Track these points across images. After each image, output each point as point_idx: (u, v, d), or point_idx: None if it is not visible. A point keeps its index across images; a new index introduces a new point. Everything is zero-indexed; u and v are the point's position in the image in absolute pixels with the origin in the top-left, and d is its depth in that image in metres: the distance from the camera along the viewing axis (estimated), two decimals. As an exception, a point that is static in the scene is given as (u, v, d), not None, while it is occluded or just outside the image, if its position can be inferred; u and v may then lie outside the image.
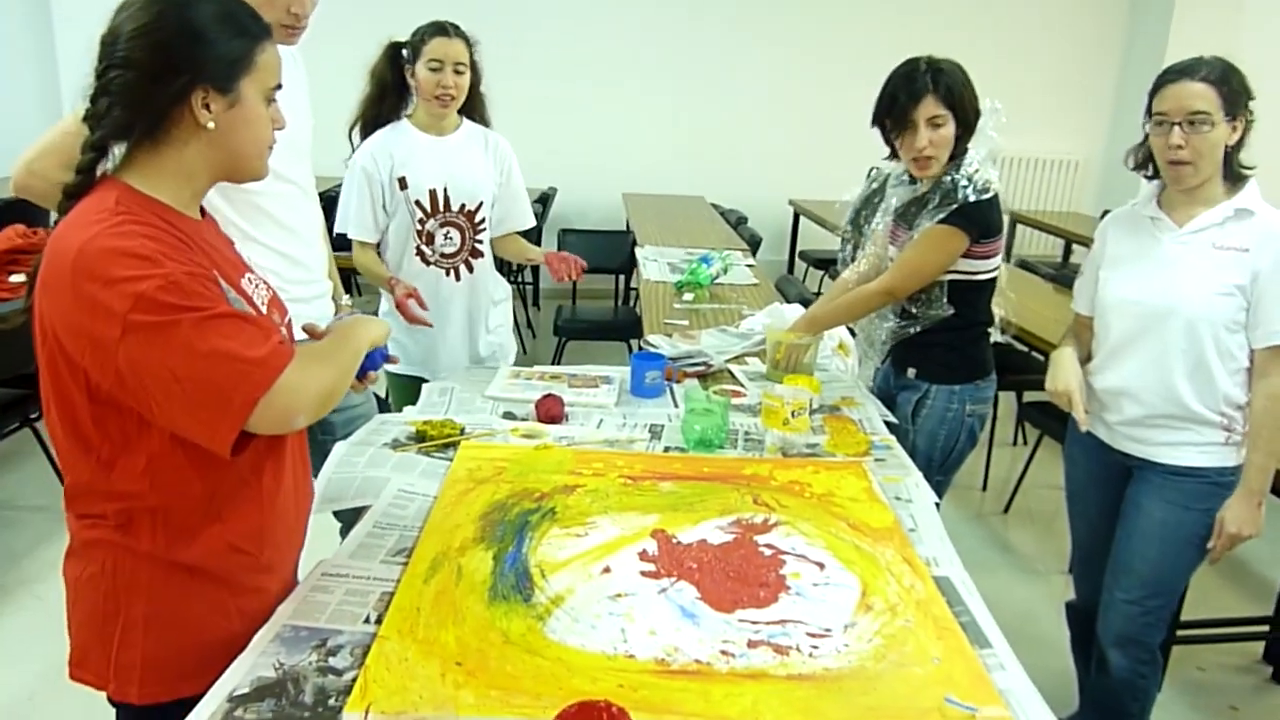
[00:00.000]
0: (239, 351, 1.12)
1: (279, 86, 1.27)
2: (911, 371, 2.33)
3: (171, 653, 1.26)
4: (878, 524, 1.67)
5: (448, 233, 2.57)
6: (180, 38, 1.16)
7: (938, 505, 1.83)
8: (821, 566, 1.52)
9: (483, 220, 2.61)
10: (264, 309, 1.30)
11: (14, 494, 3.51)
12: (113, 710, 1.33)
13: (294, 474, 1.38)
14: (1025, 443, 4.37)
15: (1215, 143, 1.81)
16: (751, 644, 1.31)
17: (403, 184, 2.50)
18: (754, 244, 4.94)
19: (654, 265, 4.00)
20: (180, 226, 1.19)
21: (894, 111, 2.13)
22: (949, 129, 2.12)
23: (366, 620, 1.33)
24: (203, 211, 1.30)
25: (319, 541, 1.52)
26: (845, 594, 1.45)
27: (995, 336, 2.39)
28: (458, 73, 2.45)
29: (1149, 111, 1.88)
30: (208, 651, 1.25)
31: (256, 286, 1.32)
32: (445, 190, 2.53)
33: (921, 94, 2.09)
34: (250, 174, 1.29)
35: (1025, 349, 3.78)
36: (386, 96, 2.55)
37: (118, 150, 1.20)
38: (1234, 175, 1.88)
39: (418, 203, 2.52)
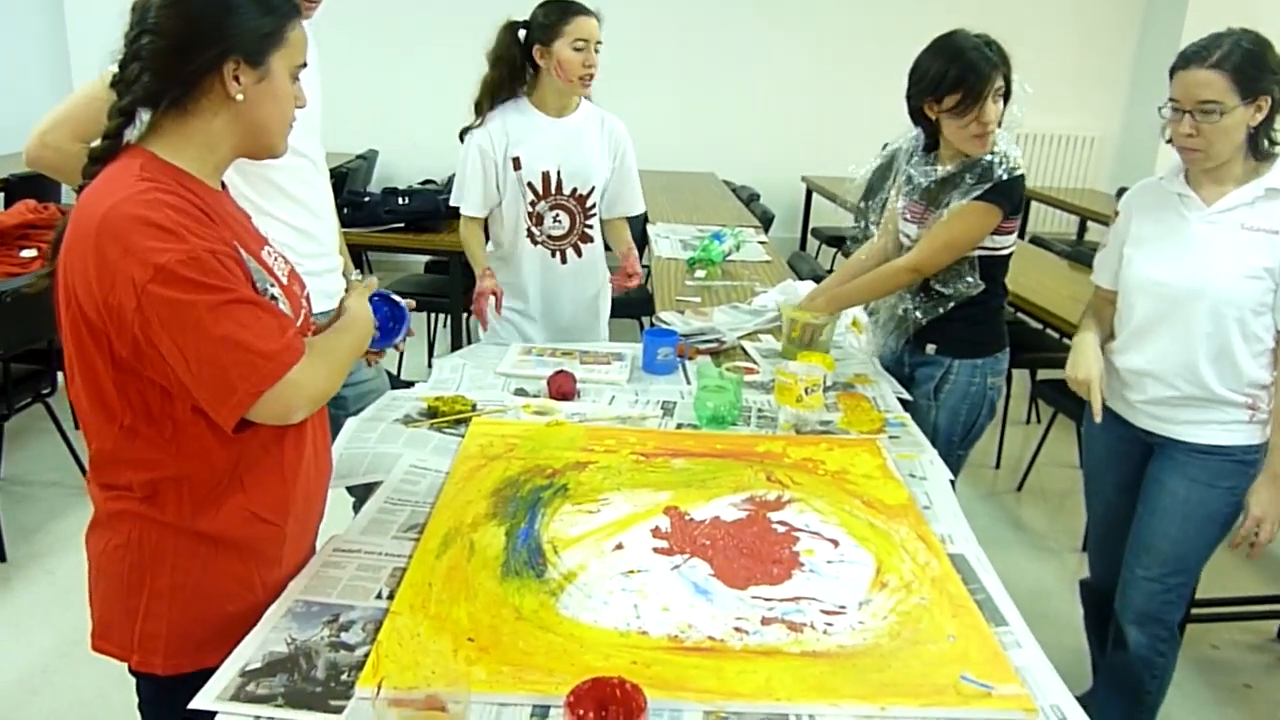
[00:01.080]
0: (251, 342, 1.13)
1: (304, 65, 1.27)
2: (931, 348, 2.31)
3: (196, 623, 1.26)
4: (892, 501, 1.65)
5: (556, 215, 2.55)
6: (213, 9, 1.16)
7: (953, 483, 1.82)
8: (835, 544, 1.51)
9: (593, 205, 2.59)
10: (285, 280, 1.30)
11: (26, 469, 3.53)
12: (128, 681, 1.33)
13: (314, 445, 1.38)
14: (1039, 420, 4.35)
15: (1228, 128, 1.76)
16: (765, 621, 1.30)
17: (516, 164, 2.47)
18: (766, 221, 4.90)
19: (665, 242, 3.97)
20: (203, 196, 1.19)
21: (965, 85, 2.04)
22: (1002, 103, 2.10)
23: (378, 596, 1.32)
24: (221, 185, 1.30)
25: (331, 516, 1.52)
26: (860, 571, 1.43)
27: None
28: (596, 51, 2.40)
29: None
30: (232, 622, 1.25)
31: (276, 259, 1.32)
32: (558, 173, 2.50)
33: (997, 67, 2.06)
34: (270, 150, 1.28)
35: (1039, 326, 3.75)
36: (509, 77, 2.48)
37: (142, 117, 1.20)
38: (1261, 153, 1.83)
39: (530, 184, 2.49)
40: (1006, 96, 2.11)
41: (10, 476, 3.46)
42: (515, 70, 2.46)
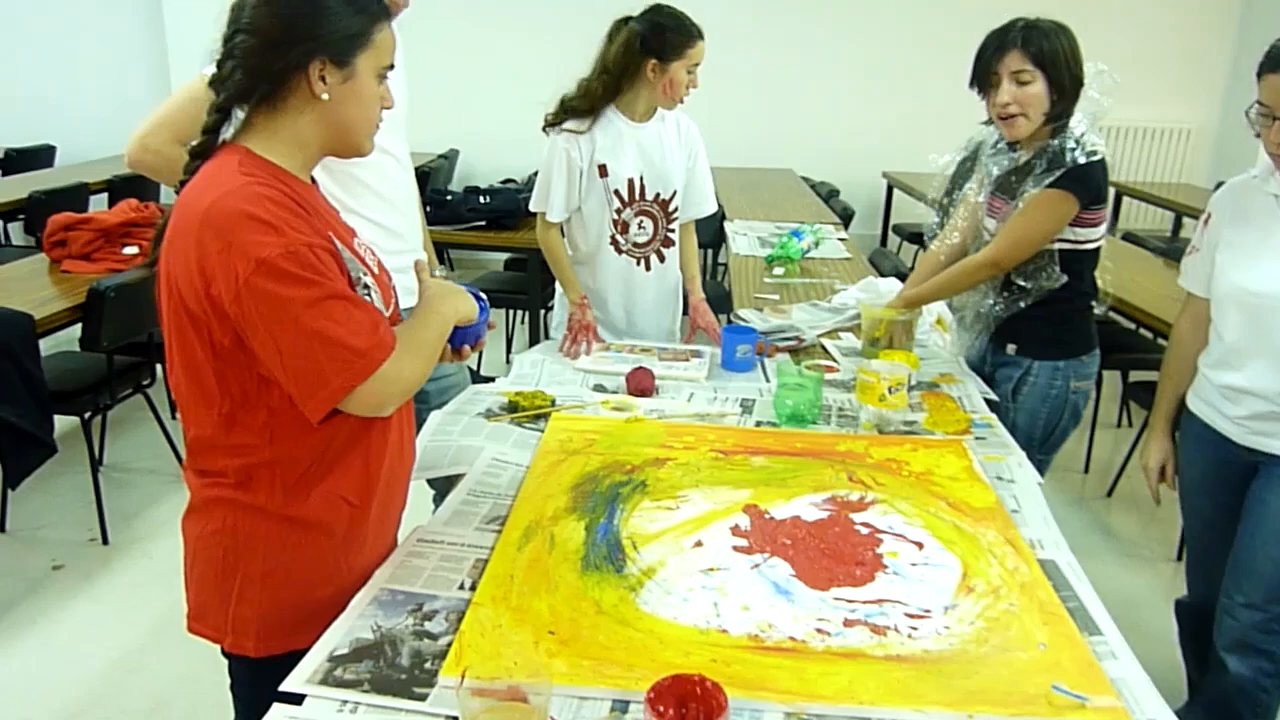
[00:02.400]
0: (345, 339, 1.16)
1: (391, 67, 1.29)
2: (1011, 348, 2.24)
3: (286, 607, 1.30)
4: (979, 504, 1.61)
5: (641, 222, 2.55)
6: (303, 8, 1.19)
7: (1040, 486, 1.76)
8: (920, 546, 1.48)
9: (675, 209, 2.59)
10: (376, 271, 1.34)
11: (127, 457, 3.68)
12: (220, 662, 1.38)
13: (400, 433, 1.40)
14: (1130, 424, 4.20)
15: None
16: (848, 623, 1.28)
17: (603, 171, 2.46)
18: (846, 217, 4.84)
19: (743, 239, 3.94)
20: (297, 190, 1.23)
21: (979, 66, 2.08)
22: (1036, 88, 2.02)
23: (461, 586, 1.34)
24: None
25: (414, 508, 1.54)
26: (945, 575, 1.40)
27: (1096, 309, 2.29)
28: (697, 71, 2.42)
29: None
30: (320, 606, 1.28)
31: (365, 250, 1.35)
32: (642, 179, 2.50)
33: (1007, 48, 2.02)
34: (355, 150, 1.31)
35: (1133, 326, 3.62)
36: (618, 86, 2.42)
37: (238, 115, 1.24)
38: None
39: (616, 192, 2.49)
40: (1056, 83, 2.02)
41: (112, 464, 3.62)
42: (624, 77, 2.41)
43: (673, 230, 2.61)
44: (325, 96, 1.21)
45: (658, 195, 2.53)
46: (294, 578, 1.30)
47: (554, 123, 2.47)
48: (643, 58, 2.38)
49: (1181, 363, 2.04)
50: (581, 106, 2.45)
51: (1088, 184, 2.04)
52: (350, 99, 1.24)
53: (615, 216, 2.51)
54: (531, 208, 2.56)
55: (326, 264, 1.18)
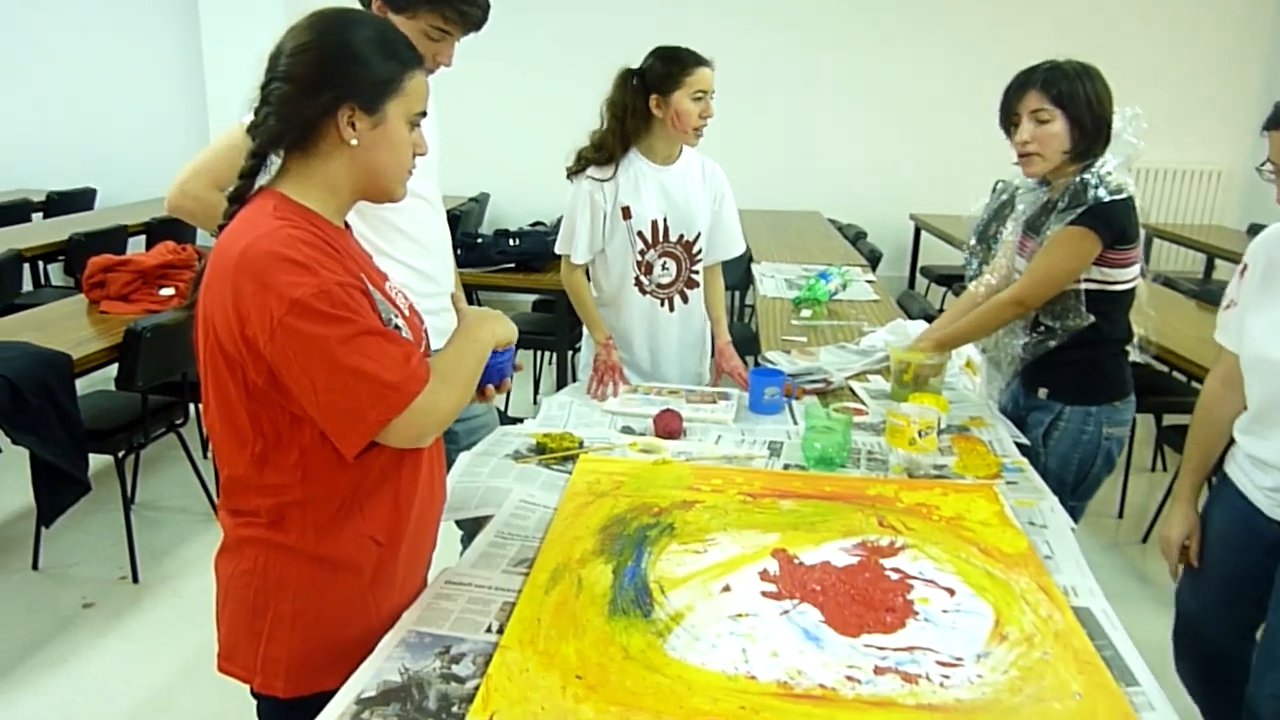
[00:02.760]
0: (378, 374, 1.18)
1: (424, 114, 1.32)
2: (1043, 392, 2.22)
3: (315, 648, 1.31)
4: (1010, 550, 1.59)
5: (665, 263, 2.58)
6: (335, 56, 1.23)
7: (1073, 531, 1.74)
8: (952, 592, 1.46)
9: (699, 251, 2.62)
10: (407, 313, 1.36)
11: (158, 495, 3.72)
12: (249, 702, 1.38)
13: (430, 473, 1.42)
14: (1165, 468, 4.13)
15: None
16: (878, 670, 1.26)
17: (626, 213, 2.49)
18: (873, 259, 4.84)
19: (770, 281, 3.96)
20: (330, 234, 1.26)
21: (1003, 107, 2.12)
22: (1055, 127, 2.04)
23: (488, 629, 1.34)
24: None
25: (442, 550, 1.55)
26: (977, 622, 1.38)
27: (1134, 356, 2.26)
28: (710, 99, 2.43)
29: None
30: (349, 647, 1.29)
31: (397, 294, 1.37)
32: (665, 220, 2.53)
33: (1028, 88, 2.06)
34: (388, 194, 1.33)
35: (1165, 369, 3.58)
36: (632, 128, 2.46)
37: (275, 161, 1.28)
38: None
39: (640, 234, 2.52)
40: (1077, 123, 2.04)
41: (143, 502, 3.65)
42: (635, 119, 2.44)
43: (696, 271, 2.63)
44: (354, 142, 1.24)
45: (681, 237, 2.56)
46: (324, 618, 1.30)
47: (575, 172, 2.52)
48: (644, 95, 2.42)
49: (1209, 428, 1.92)
50: (600, 158, 2.48)
51: (1109, 222, 2.02)
52: (380, 144, 1.27)
53: (639, 258, 2.54)
54: (557, 250, 2.59)
55: (359, 302, 1.20)
